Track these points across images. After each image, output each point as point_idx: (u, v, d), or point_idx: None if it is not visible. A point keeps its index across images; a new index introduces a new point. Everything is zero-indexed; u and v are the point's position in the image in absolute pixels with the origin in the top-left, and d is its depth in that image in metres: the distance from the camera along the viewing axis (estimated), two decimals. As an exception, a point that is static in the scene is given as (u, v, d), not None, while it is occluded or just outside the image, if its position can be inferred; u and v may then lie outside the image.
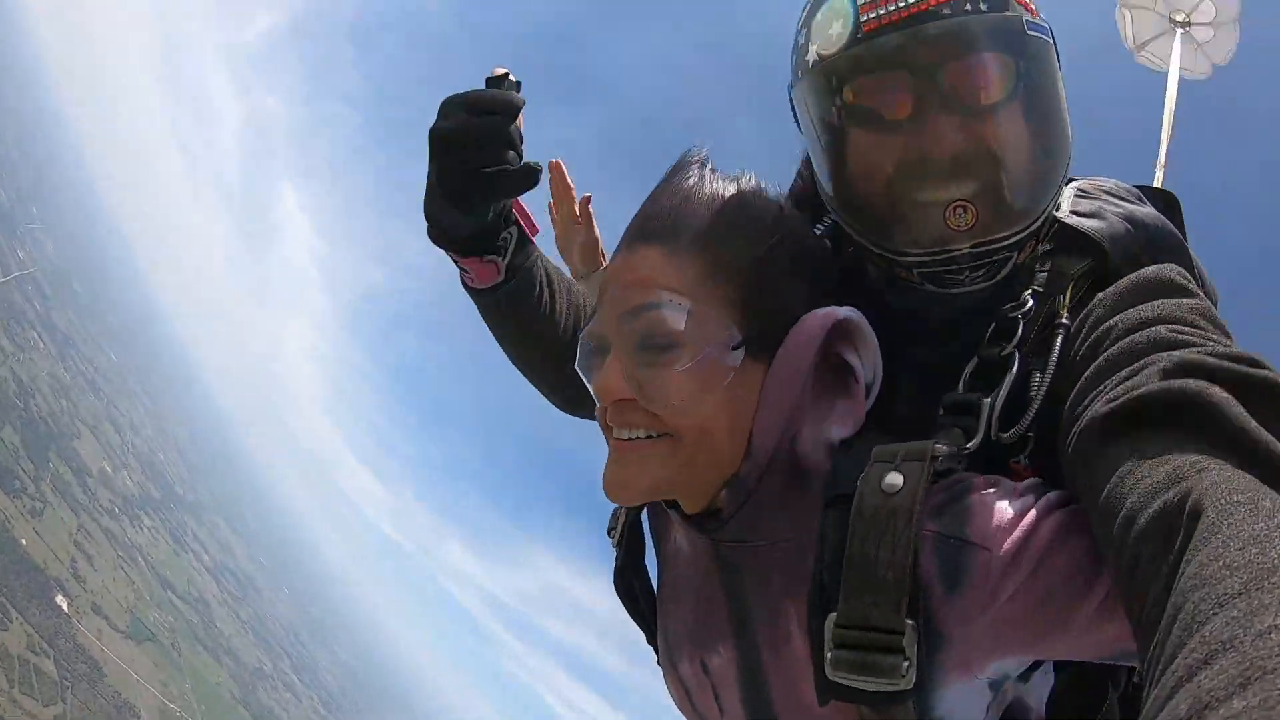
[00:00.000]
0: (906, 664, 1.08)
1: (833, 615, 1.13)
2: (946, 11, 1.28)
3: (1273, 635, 0.57)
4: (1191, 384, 0.95)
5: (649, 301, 1.23)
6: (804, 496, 1.26)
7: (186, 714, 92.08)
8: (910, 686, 1.10)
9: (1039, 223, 1.35)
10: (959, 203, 1.30)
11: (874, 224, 1.39)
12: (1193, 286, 1.23)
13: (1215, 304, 1.42)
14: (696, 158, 1.39)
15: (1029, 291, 1.36)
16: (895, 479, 1.11)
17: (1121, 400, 1.03)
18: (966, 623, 1.11)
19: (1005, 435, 1.25)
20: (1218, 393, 0.93)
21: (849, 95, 1.36)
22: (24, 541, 77.02)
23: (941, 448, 1.15)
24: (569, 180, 2.33)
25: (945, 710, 1.17)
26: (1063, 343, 1.28)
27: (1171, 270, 1.25)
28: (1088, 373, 1.15)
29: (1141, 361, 1.07)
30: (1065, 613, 1.09)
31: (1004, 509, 1.13)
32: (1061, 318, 1.30)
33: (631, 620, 1.66)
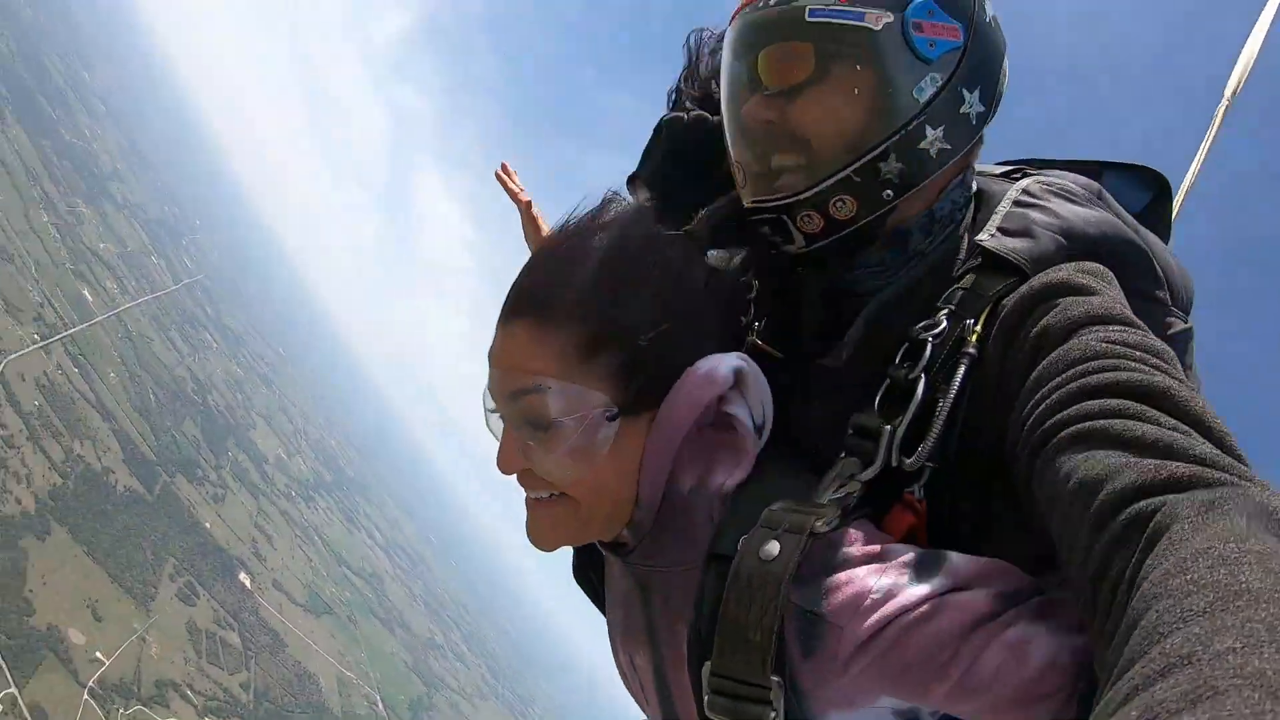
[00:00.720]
0: (773, 715, 1.15)
1: (708, 664, 1.19)
2: (770, 3, 1.40)
3: (1229, 657, 0.59)
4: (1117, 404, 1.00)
5: (522, 386, 1.27)
6: (695, 534, 1.31)
7: (363, 681, 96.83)
8: None
9: (806, 194, 1.38)
10: (738, 163, 1.46)
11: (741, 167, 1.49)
12: (1090, 285, 1.24)
13: (1174, 295, 1.43)
14: (600, 218, 1.40)
15: (944, 311, 1.34)
16: (772, 548, 1.16)
17: (1066, 413, 1.05)
18: (822, 685, 1.16)
19: (906, 463, 1.26)
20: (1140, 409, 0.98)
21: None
22: (208, 525, 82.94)
23: (821, 525, 1.18)
24: (513, 185, 2.53)
25: None
26: (965, 372, 1.27)
27: (1070, 274, 1.25)
28: (1028, 383, 1.16)
29: (1078, 371, 1.09)
30: (918, 689, 1.12)
31: (869, 592, 1.14)
32: (969, 346, 1.28)
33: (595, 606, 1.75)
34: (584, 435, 1.27)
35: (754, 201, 1.43)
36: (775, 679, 1.14)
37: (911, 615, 1.11)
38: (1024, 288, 1.28)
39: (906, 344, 1.35)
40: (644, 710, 1.59)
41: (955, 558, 1.19)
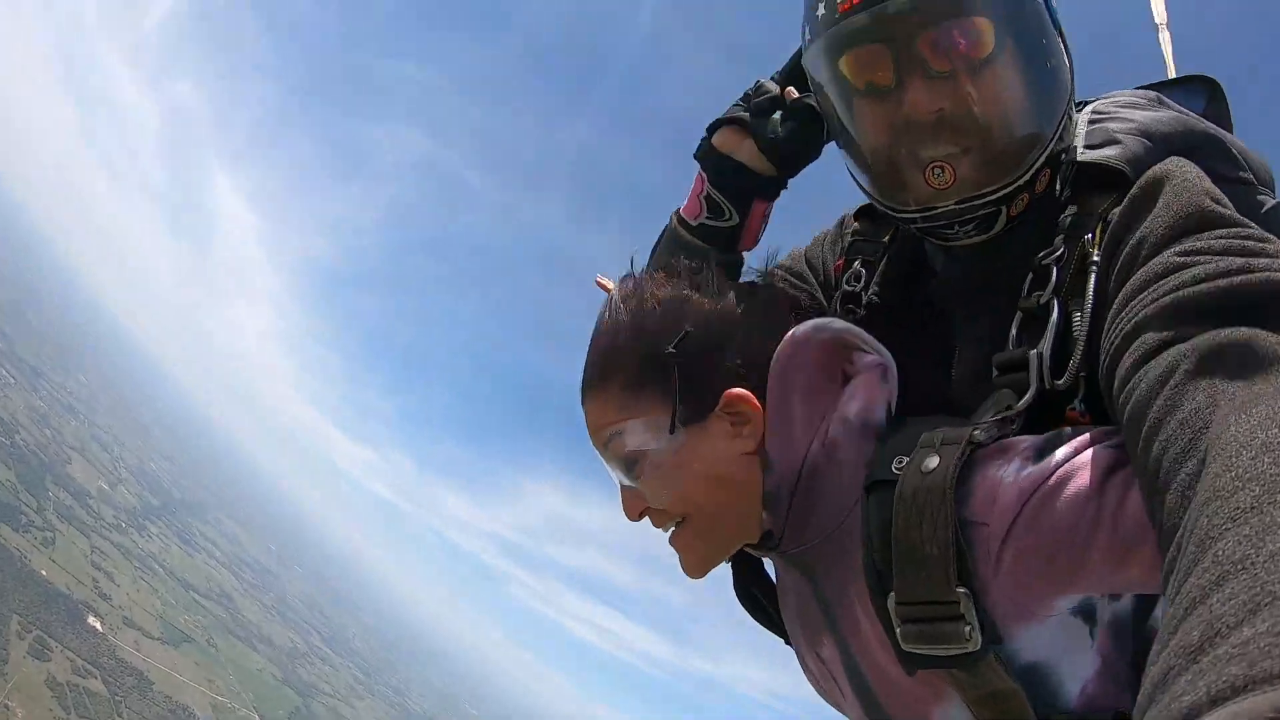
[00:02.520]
0: (969, 628, 1.12)
1: (892, 594, 1.18)
2: None
3: None
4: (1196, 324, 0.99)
5: (603, 442, 1.41)
6: (842, 485, 1.31)
7: (237, 704, 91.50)
8: (979, 647, 1.13)
9: (1029, 174, 1.36)
10: (936, 163, 1.34)
11: (875, 185, 1.45)
12: (1190, 177, 1.22)
13: (1258, 176, 1.46)
14: (609, 301, 1.47)
15: (1060, 236, 1.34)
16: (932, 460, 1.16)
17: (1134, 322, 1.07)
18: (993, 591, 1.13)
19: (1059, 383, 1.25)
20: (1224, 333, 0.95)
21: (840, 68, 1.40)
22: (44, 572, 75.27)
23: (978, 433, 1.18)
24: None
25: (1033, 654, 1.17)
26: (1097, 280, 1.26)
27: (1171, 170, 1.23)
28: (1116, 301, 1.17)
29: (1157, 288, 1.08)
30: (1076, 562, 1.10)
31: (1001, 481, 1.15)
32: (1093, 257, 1.28)
33: (763, 628, 1.68)
34: (657, 454, 1.36)
35: (964, 200, 1.36)
36: (961, 590, 1.12)
37: (1043, 489, 1.11)
38: (1125, 199, 1.26)
39: (1031, 275, 1.35)
40: (841, 708, 1.54)
41: (1072, 429, 1.20)
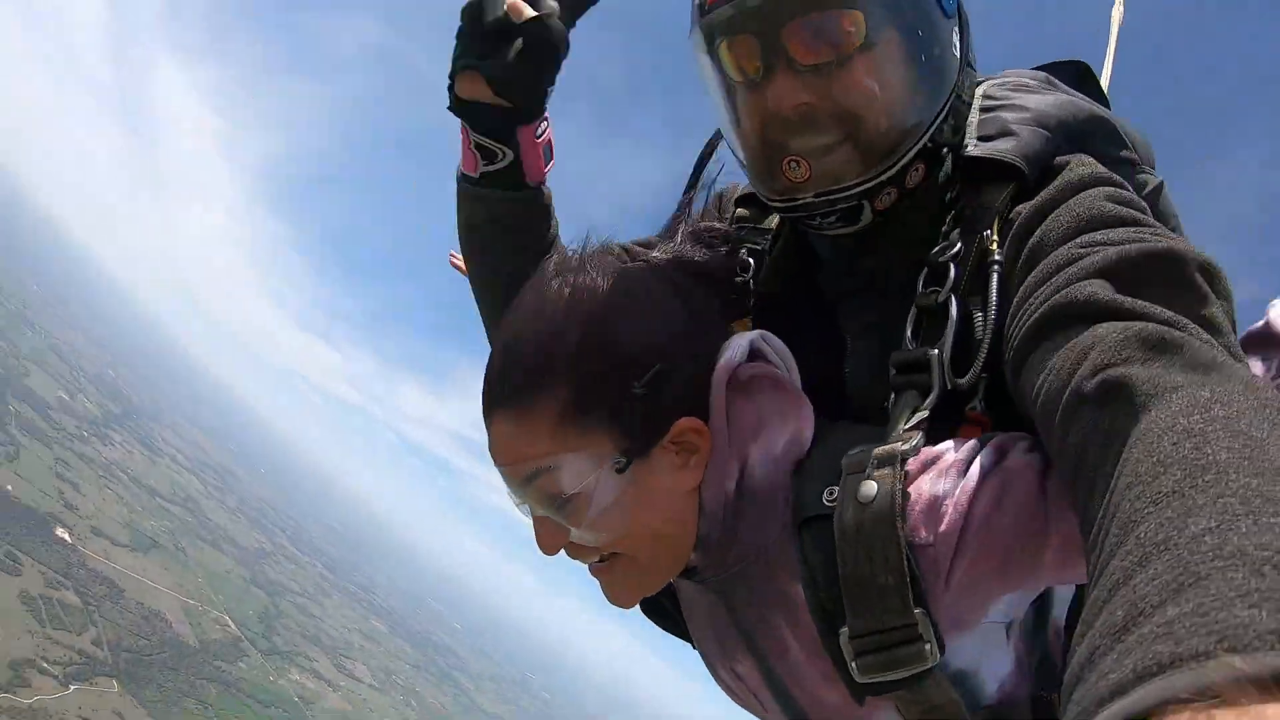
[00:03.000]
0: (929, 646, 1.10)
1: (844, 630, 1.14)
2: None
3: (1206, 539, 0.57)
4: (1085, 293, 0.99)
5: (528, 473, 1.21)
6: (763, 517, 1.25)
7: (208, 606, 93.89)
8: (937, 661, 1.12)
9: (894, 169, 1.31)
10: (791, 157, 1.30)
11: (748, 171, 1.41)
12: (1098, 172, 1.24)
13: (1140, 154, 1.47)
14: (541, 275, 1.30)
15: (955, 230, 1.31)
16: (869, 489, 1.11)
17: (1035, 316, 1.05)
18: (939, 605, 1.12)
19: (961, 382, 1.22)
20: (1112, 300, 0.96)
21: (713, 58, 1.36)
22: (9, 487, 76.07)
23: (907, 446, 1.14)
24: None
25: (965, 660, 1.18)
26: (999, 280, 1.23)
27: (1073, 173, 1.25)
28: (1018, 294, 1.15)
29: (1058, 279, 1.07)
30: (1028, 568, 1.10)
31: (938, 498, 1.11)
32: (994, 256, 1.25)
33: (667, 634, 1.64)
34: (601, 495, 1.20)
35: (821, 193, 1.31)
36: (918, 611, 1.09)
37: (985, 501, 1.09)
38: (1030, 204, 1.24)
39: (926, 270, 1.31)
40: (759, 715, 1.51)
41: (1001, 435, 1.17)
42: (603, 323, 1.22)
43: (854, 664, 1.14)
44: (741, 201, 1.67)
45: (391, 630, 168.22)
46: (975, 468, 1.12)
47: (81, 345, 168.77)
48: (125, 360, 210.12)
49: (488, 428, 1.28)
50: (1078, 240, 1.11)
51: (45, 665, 57.79)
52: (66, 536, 79.04)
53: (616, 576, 1.28)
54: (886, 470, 1.12)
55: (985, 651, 1.23)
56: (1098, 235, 1.10)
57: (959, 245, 1.29)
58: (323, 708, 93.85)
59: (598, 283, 1.26)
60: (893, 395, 1.26)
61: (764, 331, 1.30)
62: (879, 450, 1.15)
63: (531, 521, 1.31)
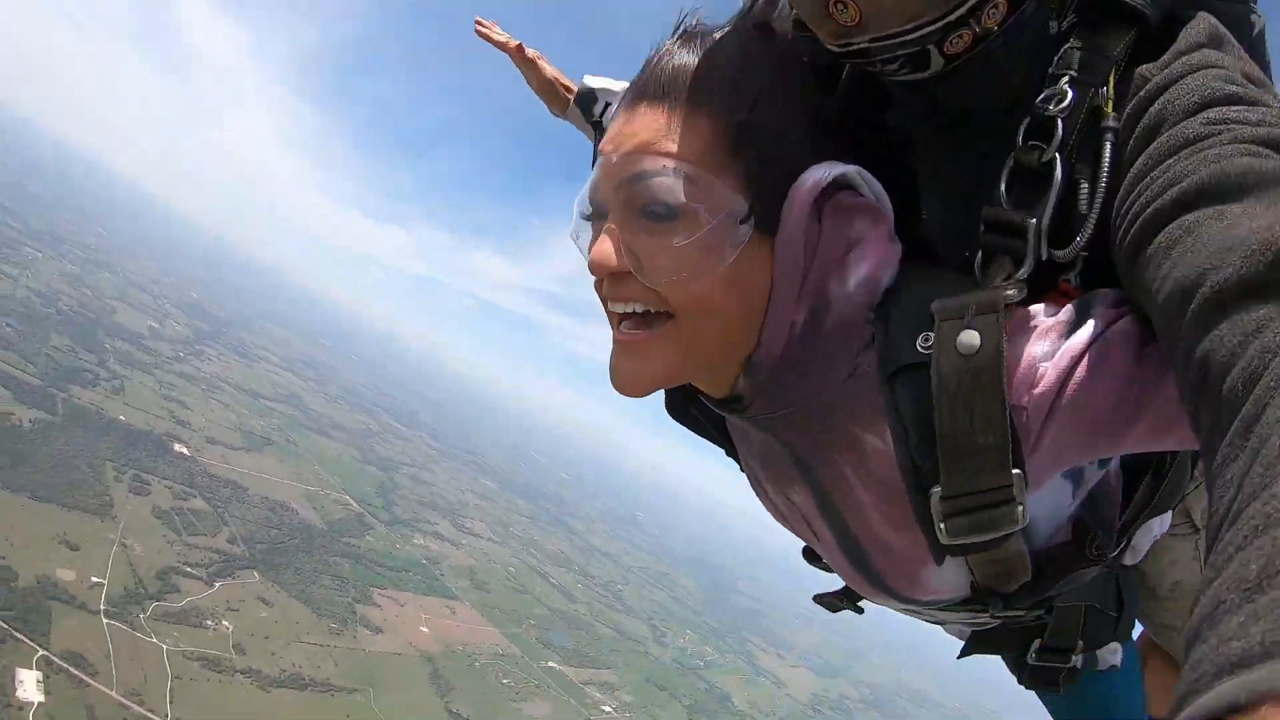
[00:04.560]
0: (1020, 508, 1.05)
1: (935, 490, 1.08)
2: None
3: None
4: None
5: (649, 169, 1.10)
6: (831, 359, 1.18)
7: (327, 489, 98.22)
8: (1025, 523, 1.07)
9: (961, 8, 1.12)
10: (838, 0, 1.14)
11: (803, 15, 1.23)
12: (1221, 34, 1.10)
13: (1257, 25, 1.26)
14: (696, 18, 1.25)
15: (1065, 79, 1.15)
16: (971, 339, 1.03)
17: (1158, 199, 0.94)
18: (1025, 467, 1.06)
19: (1059, 255, 1.11)
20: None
21: None
22: (122, 417, 79.25)
23: (1011, 293, 1.06)
24: (497, 36, 2.40)
25: (1029, 515, 1.11)
26: (1113, 150, 1.09)
27: (1201, 34, 1.10)
28: (1134, 167, 1.04)
29: (1184, 154, 0.96)
30: (1115, 439, 1.05)
31: (1036, 360, 1.06)
32: (1108, 118, 1.11)
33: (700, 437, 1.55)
34: (714, 232, 1.09)
35: (877, 39, 1.15)
36: (1016, 472, 1.04)
37: (1082, 369, 1.03)
38: (1155, 70, 1.10)
39: (1029, 120, 1.16)
40: (809, 541, 1.48)
41: (1102, 293, 1.10)
42: (781, 87, 1.16)
43: (943, 525, 1.08)
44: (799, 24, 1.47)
45: (501, 487, 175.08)
46: (1079, 335, 1.05)
47: (158, 275, 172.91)
48: (203, 281, 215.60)
49: (628, 112, 1.17)
50: (1203, 116, 0.99)
51: (189, 569, 61.81)
52: (184, 450, 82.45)
53: (653, 343, 1.15)
54: (990, 318, 1.03)
55: (1052, 506, 1.20)
56: (1230, 112, 0.97)
57: (1070, 97, 1.13)
58: (450, 565, 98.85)
59: (783, 50, 1.21)
60: (980, 253, 1.16)
61: (861, 168, 1.16)
62: (980, 296, 1.06)
63: (585, 249, 1.19)
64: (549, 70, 2.35)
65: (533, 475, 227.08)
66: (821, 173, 1.12)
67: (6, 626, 43.61)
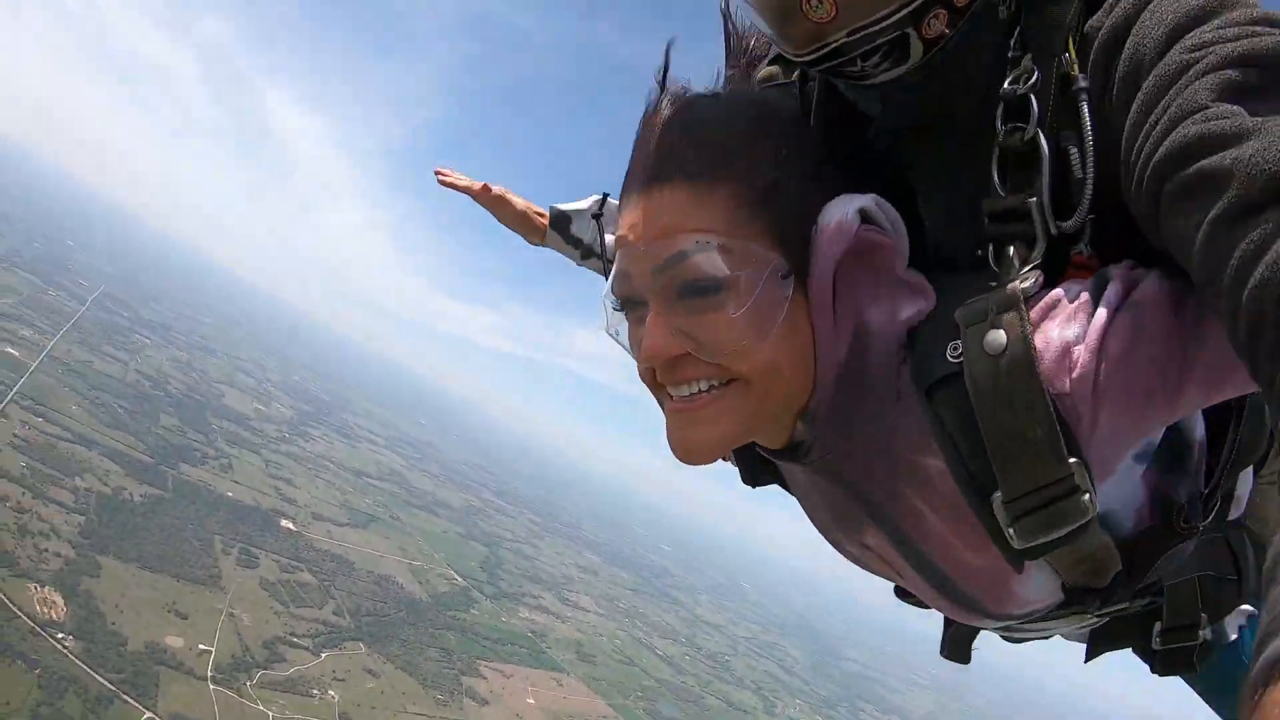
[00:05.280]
0: (1087, 496, 1.03)
1: (996, 495, 1.07)
2: None
3: None
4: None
5: (684, 248, 1.08)
6: (878, 395, 1.17)
7: (432, 564, 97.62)
8: (1097, 511, 1.05)
9: None
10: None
11: (766, 25, 1.20)
12: None
13: None
14: (674, 89, 1.23)
15: (1026, 56, 1.14)
16: (997, 338, 1.03)
17: (1166, 142, 0.91)
18: (1088, 453, 1.05)
19: (1066, 226, 1.10)
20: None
21: None
22: (230, 494, 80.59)
23: (1026, 285, 1.06)
24: (460, 182, 2.44)
25: (1105, 503, 1.11)
26: (1090, 107, 1.08)
27: None
28: (1129, 120, 1.00)
29: (1174, 93, 0.93)
30: (1170, 401, 1.03)
31: (1068, 342, 1.03)
32: (1079, 82, 1.09)
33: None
34: (763, 294, 1.08)
35: (856, 29, 1.12)
36: (1074, 461, 1.02)
37: (1118, 340, 1.01)
38: (1109, 10, 1.08)
39: (1001, 105, 1.15)
40: (893, 579, 1.47)
41: (1117, 267, 1.08)
42: (782, 137, 1.17)
43: (1011, 529, 1.06)
44: (771, 60, 1.50)
45: (605, 560, 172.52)
46: (1104, 309, 1.03)
47: (263, 359, 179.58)
48: (306, 365, 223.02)
49: (639, 200, 1.14)
50: (1182, 44, 0.95)
51: (295, 639, 61.27)
52: (291, 526, 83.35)
53: (719, 410, 1.13)
54: (1011, 314, 1.03)
55: (1126, 489, 1.17)
56: (1204, 33, 0.94)
57: (1036, 74, 1.13)
58: (555, 639, 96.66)
59: (774, 101, 1.23)
60: (990, 246, 1.15)
61: (877, 196, 1.15)
62: (998, 295, 1.06)
63: (624, 340, 1.20)
64: (519, 203, 2.40)
65: (635, 548, 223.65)
66: (842, 210, 1.11)
67: (115, 689, 43.20)
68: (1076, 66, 1.10)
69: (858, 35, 1.11)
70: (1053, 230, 1.09)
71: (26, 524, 51.03)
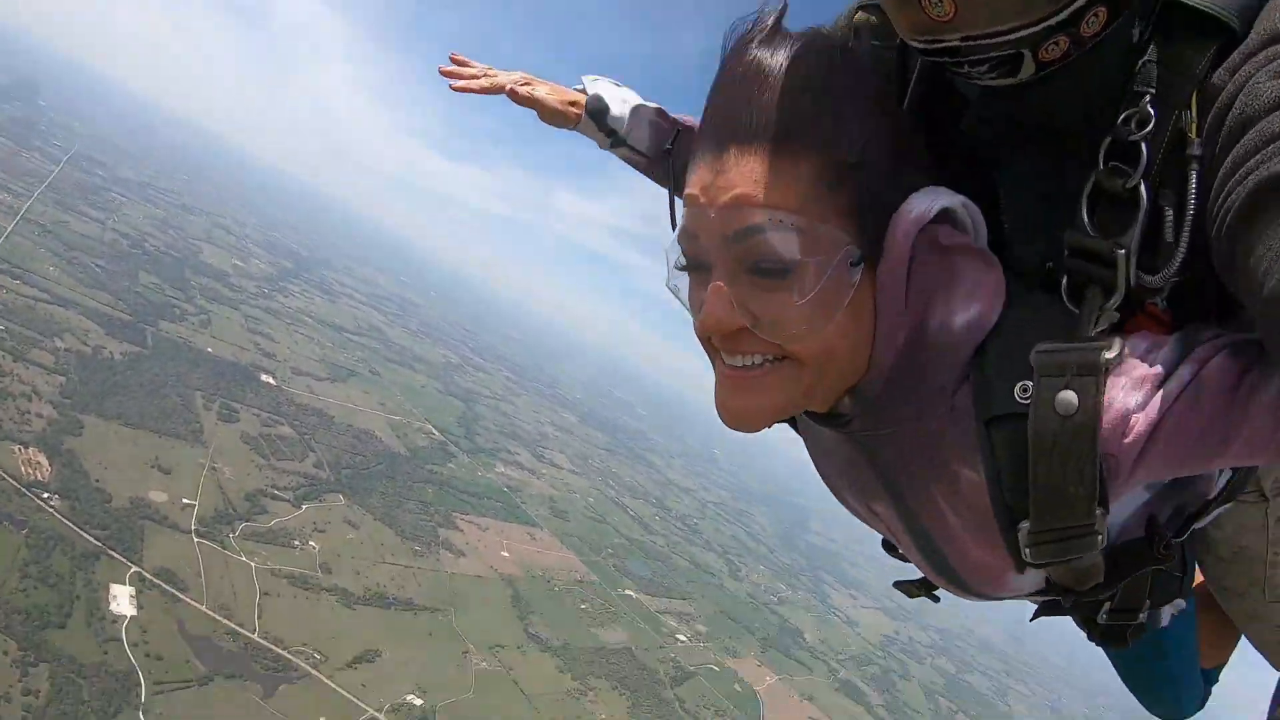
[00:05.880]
0: (1100, 537, 1.09)
1: (1024, 525, 1.11)
2: None
3: None
4: None
5: (755, 224, 1.05)
6: (932, 388, 1.18)
7: (410, 419, 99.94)
8: (1104, 545, 1.11)
9: (1065, 12, 1.05)
10: None
11: (888, 10, 1.17)
12: None
13: None
14: (766, 24, 1.15)
15: (1146, 98, 1.09)
16: (1069, 399, 1.03)
17: (1250, 193, 0.92)
18: (1109, 497, 1.10)
19: (1150, 281, 1.09)
20: None
21: None
22: (210, 350, 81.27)
23: (1111, 356, 1.05)
24: (473, 85, 2.28)
25: (1110, 519, 1.14)
26: (1199, 176, 1.05)
27: (1271, 23, 1.03)
28: (1225, 164, 1.00)
29: (1270, 151, 0.92)
30: (1200, 465, 1.07)
31: (1130, 411, 1.05)
32: (1193, 144, 1.06)
33: None
34: (832, 280, 1.07)
35: (970, 38, 1.09)
36: (1099, 511, 1.07)
37: (1174, 418, 1.03)
38: (1230, 70, 1.04)
39: (1109, 140, 1.13)
40: (890, 538, 1.54)
41: (1190, 335, 1.09)
42: (873, 109, 1.12)
43: (1028, 550, 1.12)
44: (868, 6, 1.43)
45: (581, 420, 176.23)
46: (1172, 383, 1.05)
47: (244, 217, 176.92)
48: (288, 223, 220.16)
49: (714, 161, 1.10)
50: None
51: (276, 492, 63.50)
52: (271, 380, 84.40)
53: (770, 384, 1.14)
54: (1089, 380, 1.04)
55: (1124, 505, 1.24)
56: None
57: (1152, 120, 1.09)
58: (530, 494, 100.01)
59: (866, 65, 1.15)
60: (1066, 279, 1.15)
61: (966, 199, 1.14)
62: (1081, 357, 1.05)
63: (685, 297, 1.18)
64: (550, 100, 2.25)
65: (612, 411, 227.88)
66: (925, 204, 1.09)
67: (101, 544, 45.10)
68: (1195, 127, 1.06)
69: (972, 43, 1.08)
70: (1133, 283, 1.09)
71: (7, 386, 51.89)
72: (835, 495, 1.53)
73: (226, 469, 61.89)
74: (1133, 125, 1.09)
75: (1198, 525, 1.39)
